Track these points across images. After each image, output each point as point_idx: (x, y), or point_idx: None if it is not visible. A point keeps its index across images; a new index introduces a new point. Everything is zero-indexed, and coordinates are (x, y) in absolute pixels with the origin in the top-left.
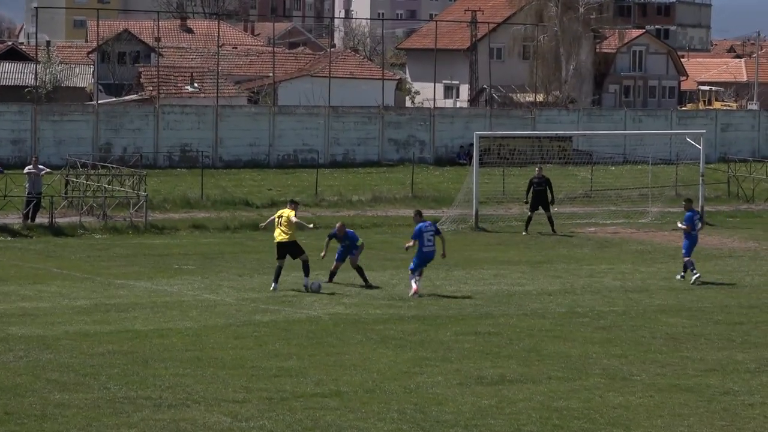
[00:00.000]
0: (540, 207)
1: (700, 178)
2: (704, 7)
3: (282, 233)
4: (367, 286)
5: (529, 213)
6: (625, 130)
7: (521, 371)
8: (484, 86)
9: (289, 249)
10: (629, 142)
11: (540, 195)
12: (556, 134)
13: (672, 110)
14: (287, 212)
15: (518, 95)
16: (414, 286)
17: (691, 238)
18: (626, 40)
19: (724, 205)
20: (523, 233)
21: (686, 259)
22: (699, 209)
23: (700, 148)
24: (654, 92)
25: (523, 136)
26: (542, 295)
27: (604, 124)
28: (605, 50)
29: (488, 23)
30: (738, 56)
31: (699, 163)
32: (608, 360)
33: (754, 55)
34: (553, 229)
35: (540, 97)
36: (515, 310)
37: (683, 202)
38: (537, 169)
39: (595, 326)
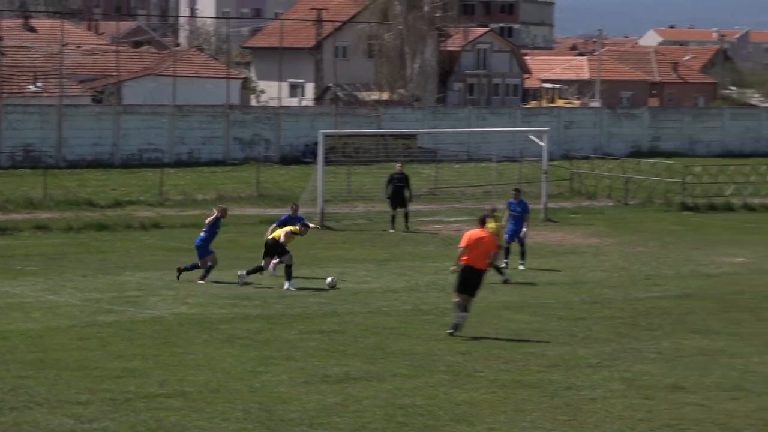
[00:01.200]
0: (398, 204)
1: (543, 175)
2: (547, 6)
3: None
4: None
5: (392, 212)
6: (469, 127)
7: (366, 369)
8: (330, 85)
9: (276, 248)
10: (474, 139)
11: (399, 191)
12: (401, 132)
13: (516, 108)
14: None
15: (363, 93)
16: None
17: (517, 225)
18: (470, 39)
19: (566, 201)
20: (391, 231)
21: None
22: (542, 206)
23: (544, 145)
24: (498, 90)
25: (368, 135)
26: (387, 293)
27: (448, 122)
28: (450, 48)
29: (333, 21)
30: (581, 54)
31: (542, 160)
32: (452, 357)
33: (596, 53)
34: (406, 226)
35: (385, 96)
36: (360, 308)
37: (513, 192)
38: (398, 165)
39: (439, 323)
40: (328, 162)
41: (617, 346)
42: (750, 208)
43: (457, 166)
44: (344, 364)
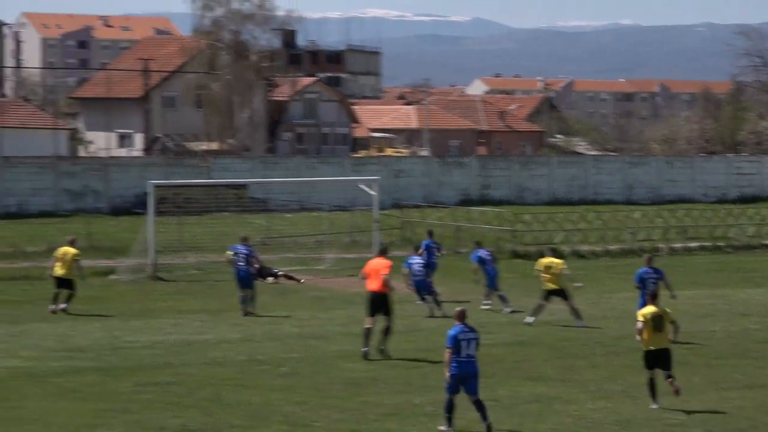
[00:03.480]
0: None
1: (375, 224)
2: (373, 55)
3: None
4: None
5: None
6: (299, 177)
7: (203, 421)
8: (159, 135)
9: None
10: (304, 189)
11: None
12: (231, 182)
13: (345, 157)
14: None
15: (193, 144)
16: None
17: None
18: (298, 88)
19: (398, 250)
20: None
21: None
22: (374, 255)
23: (374, 194)
24: (327, 139)
25: (198, 185)
26: (222, 344)
27: (278, 172)
28: (278, 98)
29: (161, 72)
30: (408, 103)
31: (373, 209)
32: (289, 407)
33: (423, 102)
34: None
35: (214, 146)
36: (195, 359)
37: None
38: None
39: (275, 373)
40: (158, 213)
41: None
42: (580, 255)
43: (288, 215)
44: (181, 416)
